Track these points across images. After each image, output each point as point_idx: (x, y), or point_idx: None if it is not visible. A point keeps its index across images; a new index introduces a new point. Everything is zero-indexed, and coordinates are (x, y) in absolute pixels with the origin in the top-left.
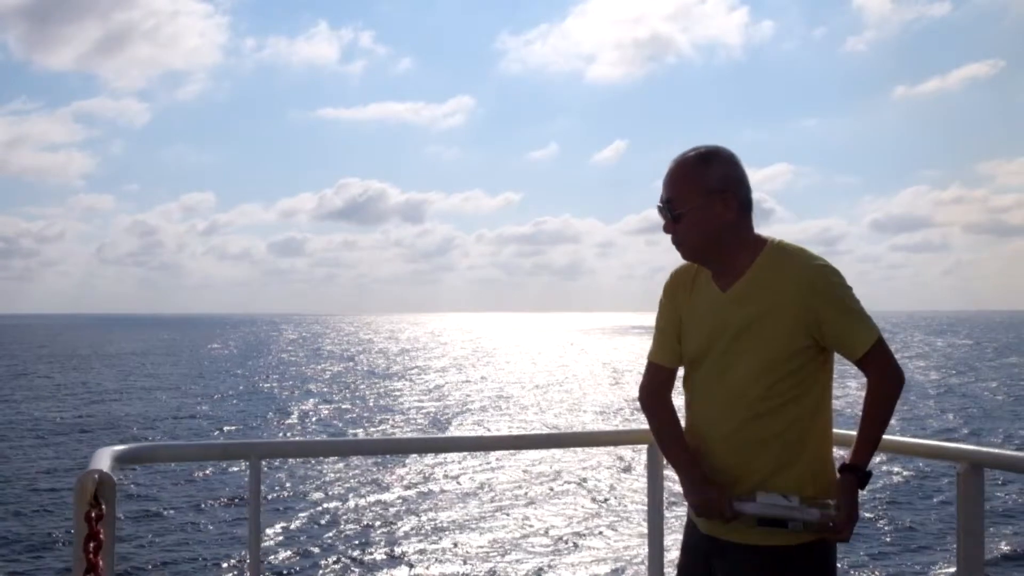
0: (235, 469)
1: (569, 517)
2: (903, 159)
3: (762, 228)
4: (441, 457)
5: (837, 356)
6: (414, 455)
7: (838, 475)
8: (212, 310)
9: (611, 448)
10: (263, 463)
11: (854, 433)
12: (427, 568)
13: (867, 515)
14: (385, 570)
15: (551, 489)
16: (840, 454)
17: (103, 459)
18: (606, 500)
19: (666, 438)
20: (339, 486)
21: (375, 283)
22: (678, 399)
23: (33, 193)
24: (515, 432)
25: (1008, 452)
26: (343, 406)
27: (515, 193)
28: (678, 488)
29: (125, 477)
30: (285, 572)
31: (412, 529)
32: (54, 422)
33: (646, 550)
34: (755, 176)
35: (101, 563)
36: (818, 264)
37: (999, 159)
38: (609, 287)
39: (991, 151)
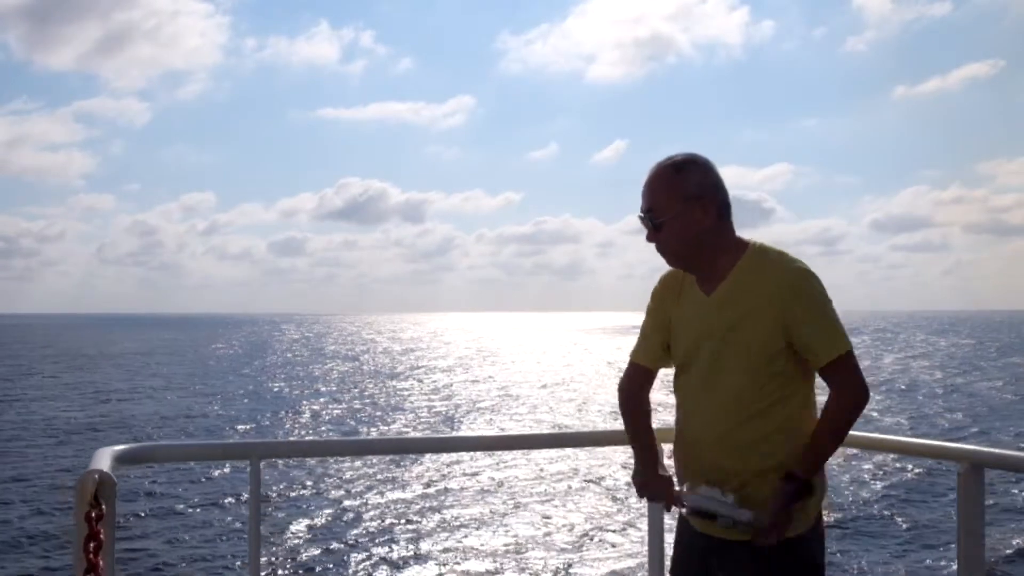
0: (236, 469)
1: (569, 517)
2: (903, 159)
3: (762, 228)
4: (442, 457)
5: None
6: (415, 455)
7: (783, 482)
8: (212, 310)
9: (611, 448)
10: (263, 463)
11: None
12: (428, 568)
13: (867, 515)
14: (385, 570)
15: (551, 489)
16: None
17: (103, 459)
18: (606, 500)
19: (634, 431)
20: (340, 487)
21: (375, 283)
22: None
23: (33, 193)
24: (515, 432)
25: (1009, 452)
26: (345, 406)
27: (515, 193)
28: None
29: (125, 477)
30: (285, 573)
31: (413, 529)
32: (56, 422)
33: (646, 550)
34: (755, 176)
35: (101, 563)
36: (798, 267)
37: (999, 159)
38: (609, 287)
39: (991, 151)
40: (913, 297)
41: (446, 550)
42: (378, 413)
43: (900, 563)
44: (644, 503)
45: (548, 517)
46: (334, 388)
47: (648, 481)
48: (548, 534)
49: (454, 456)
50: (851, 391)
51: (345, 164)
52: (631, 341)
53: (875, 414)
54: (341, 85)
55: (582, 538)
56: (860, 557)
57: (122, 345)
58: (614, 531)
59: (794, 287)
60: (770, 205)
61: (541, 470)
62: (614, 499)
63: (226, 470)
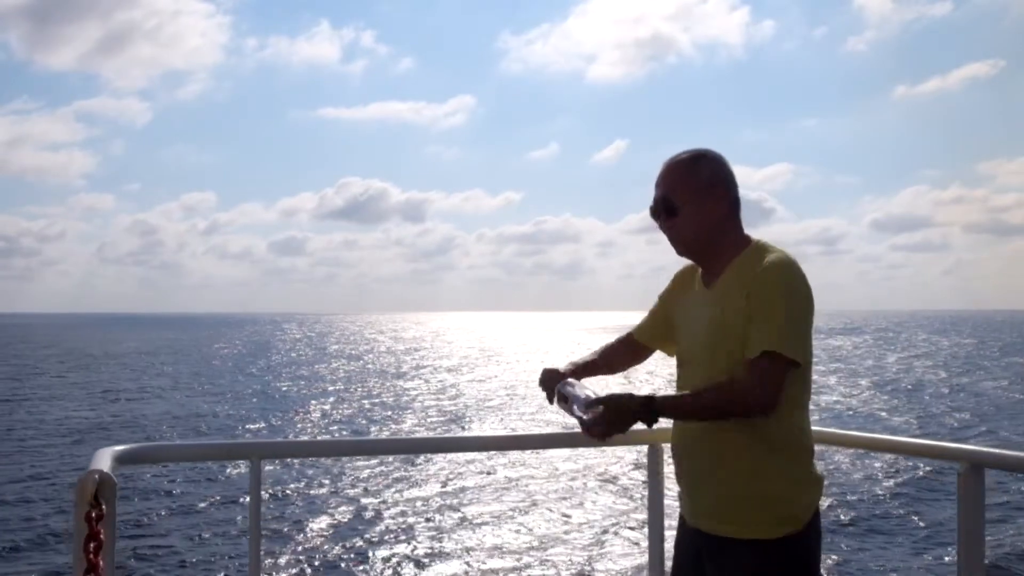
0: (236, 469)
1: (569, 517)
2: (903, 159)
3: (762, 227)
4: (442, 457)
5: (817, 357)
6: (415, 455)
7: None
8: (212, 309)
9: (611, 448)
10: (264, 463)
11: (839, 432)
12: (428, 568)
13: (867, 515)
14: (386, 571)
15: (551, 489)
16: (820, 449)
17: (103, 459)
18: (606, 500)
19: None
20: (340, 487)
21: (375, 282)
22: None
23: (34, 193)
24: (516, 432)
25: (1009, 452)
26: (350, 406)
27: (515, 193)
28: (678, 489)
29: (126, 477)
30: (286, 573)
31: (413, 529)
32: (68, 421)
33: (646, 550)
34: (755, 176)
35: (101, 563)
36: (774, 261)
37: (999, 159)
38: (609, 286)
39: (991, 151)
40: (913, 297)
41: (446, 550)
42: (383, 413)
43: (900, 563)
44: (644, 504)
45: (548, 517)
46: (340, 387)
47: (547, 372)
48: (548, 534)
49: (455, 456)
50: (747, 388)
51: (345, 164)
52: None
53: (883, 414)
54: (342, 85)
55: (582, 539)
56: (860, 557)
57: (126, 345)
58: (614, 532)
59: (760, 279)
60: (770, 205)
61: (541, 470)
62: (614, 500)
63: (226, 470)
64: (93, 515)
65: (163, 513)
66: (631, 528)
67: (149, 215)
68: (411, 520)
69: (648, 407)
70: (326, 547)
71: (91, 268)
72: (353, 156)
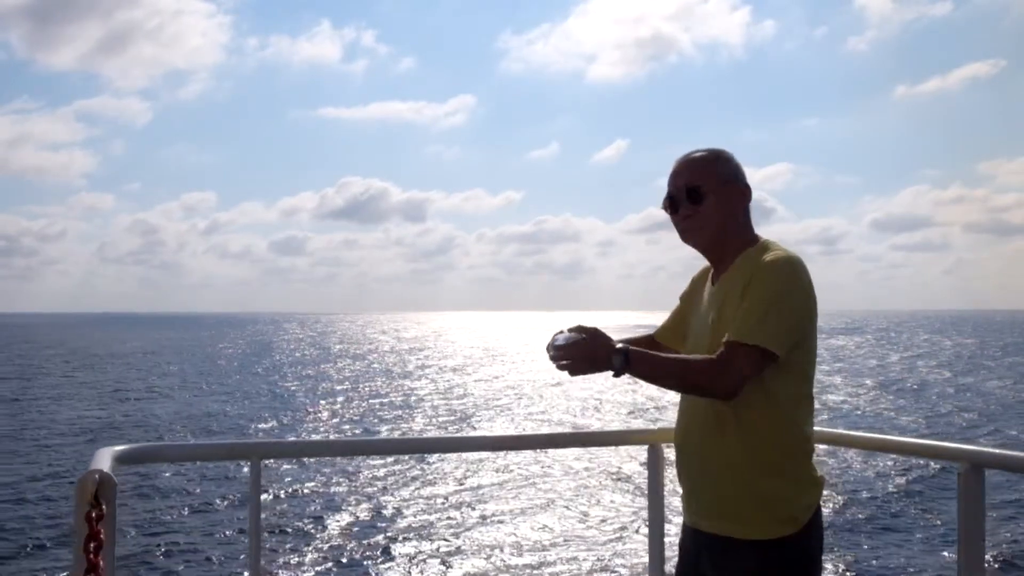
0: (236, 469)
1: (569, 517)
2: (903, 159)
3: (762, 228)
4: (442, 457)
5: (820, 357)
6: (415, 456)
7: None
8: (213, 309)
9: (612, 448)
10: (264, 463)
11: (840, 432)
12: (428, 568)
13: (868, 515)
14: (385, 571)
15: (551, 489)
16: (821, 449)
17: (104, 459)
18: (606, 500)
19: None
20: (341, 487)
21: (376, 282)
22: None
23: (34, 192)
24: (516, 432)
25: (1009, 452)
26: (352, 406)
27: (516, 192)
28: (679, 489)
29: (126, 477)
30: (285, 573)
31: (413, 529)
32: (68, 421)
33: (646, 551)
34: (755, 176)
35: (101, 563)
36: (771, 258)
37: (999, 159)
38: (609, 286)
39: (991, 151)
40: (913, 297)
41: (446, 549)
42: (391, 413)
43: (900, 563)
44: (645, 504)
45: (549, 517)
46: (347, 387)
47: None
48: (549, 533)
49: (455, 456)
50: (710, 368)
51: (346, 163)
52: None
53: (890, 414)
54: (342, 84)
55: (583, 538)
56: (860, 557)
57: (130, 344)
58: (615, 531)
59: (757, 274)
60: (770, 205)
61: (542, 470)
62: (615, 499)
63: (227, 470)
64: (93, 515)
65: (163, 513)
66: (632, 528)
67: (149, 215)
68: (411, 520)
69: (623, 352)
70: (326, 547)
71: (91, 268)
72: (353, 156)
